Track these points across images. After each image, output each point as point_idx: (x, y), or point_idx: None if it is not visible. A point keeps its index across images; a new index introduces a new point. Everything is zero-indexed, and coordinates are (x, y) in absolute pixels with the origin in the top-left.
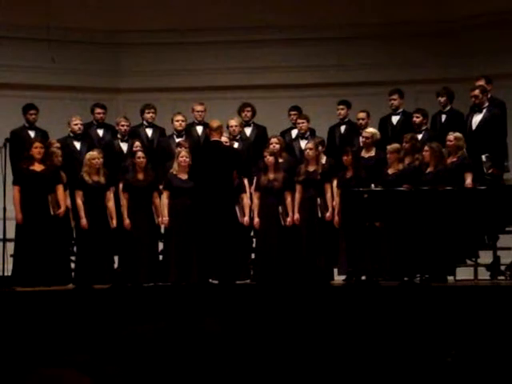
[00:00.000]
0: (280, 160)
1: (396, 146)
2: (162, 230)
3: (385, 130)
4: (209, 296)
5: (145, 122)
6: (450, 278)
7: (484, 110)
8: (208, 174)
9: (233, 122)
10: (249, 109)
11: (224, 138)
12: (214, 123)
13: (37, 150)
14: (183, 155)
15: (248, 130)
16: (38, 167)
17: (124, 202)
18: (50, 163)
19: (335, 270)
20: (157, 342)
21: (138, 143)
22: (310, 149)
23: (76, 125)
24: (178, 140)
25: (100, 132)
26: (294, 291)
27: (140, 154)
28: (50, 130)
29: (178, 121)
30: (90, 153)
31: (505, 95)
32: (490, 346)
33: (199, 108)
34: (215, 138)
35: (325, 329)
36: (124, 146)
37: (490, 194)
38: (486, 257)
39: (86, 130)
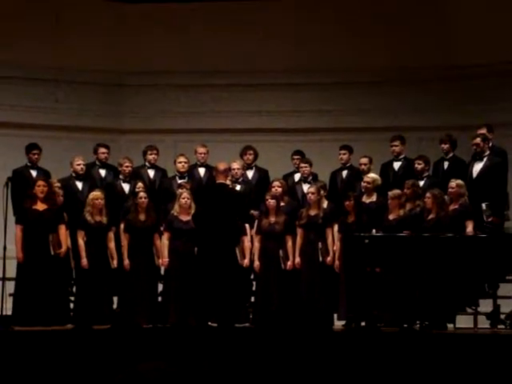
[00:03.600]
0: (282, 203)
1: (397, 192)
2: (162, 272)
3: (386, 175)
4: (207, 339)
5: (147, 163)
6: (450, 325)
7: (485, 159)
8: (212, 216)
9: (235, 165)
10: (251, 152)
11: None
12: (221, 166)
13: (39, 188)
14: (184, 196)
15: (250, 173)
16: (40, 206)
17: (125, 242)
18: (53, 202)
19: (335, 315)
20: (156, 381)
21: (140, 184)
22: (312, 193)
23: (78, 165)
24: (180, 181)
25: (102, 172)
26: (294, 335)
27: (142, 194)
28: (52, 170)
29: (180, 162)
30: (93, 193)
31: (506, 144)
32: None
33: (202, 150)
34: (221, 180)
35: (324, 374)
36: (126, 187)
37: (491, 242)
38: (486, 305)
39: (89, 170)
